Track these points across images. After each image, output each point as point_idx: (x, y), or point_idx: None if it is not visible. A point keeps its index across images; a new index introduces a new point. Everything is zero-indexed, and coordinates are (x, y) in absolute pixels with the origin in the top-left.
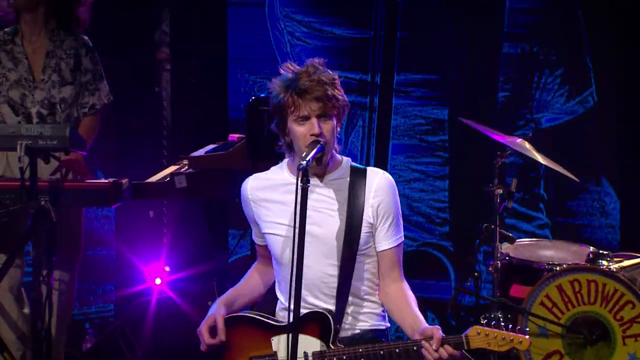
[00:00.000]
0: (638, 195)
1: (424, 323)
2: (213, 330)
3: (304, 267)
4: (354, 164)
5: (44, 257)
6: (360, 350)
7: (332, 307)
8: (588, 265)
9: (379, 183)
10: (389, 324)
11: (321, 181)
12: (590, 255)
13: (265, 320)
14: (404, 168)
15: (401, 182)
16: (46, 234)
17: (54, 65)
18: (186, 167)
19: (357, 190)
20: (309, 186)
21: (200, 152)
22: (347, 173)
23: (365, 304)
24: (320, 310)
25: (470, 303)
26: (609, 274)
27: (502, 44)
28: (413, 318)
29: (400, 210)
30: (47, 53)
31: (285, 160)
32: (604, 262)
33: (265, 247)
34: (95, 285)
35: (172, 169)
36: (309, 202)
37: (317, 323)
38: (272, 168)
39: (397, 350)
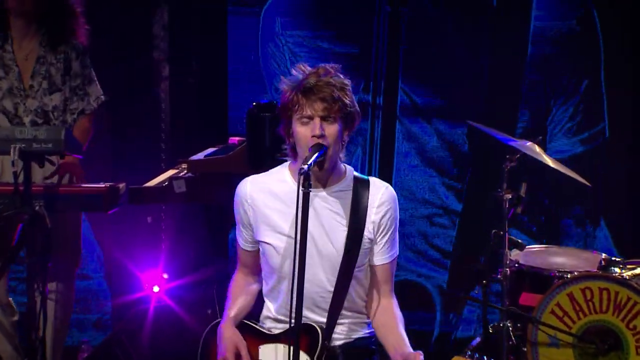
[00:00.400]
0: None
1: (407, 346)
2: (238, 357)
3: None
4: (357, 174)
5: (39, 265)
6: None
7: (324, 319)
8: (600, 272)
9: (381, 198)
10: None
11: (324, 192)
12: (603, 262)
13: (257, 327)
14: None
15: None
16: (41, 241)
17: (44, 72)
18: (185, 171)
19: (359, 204)
20: (310, 191)
21: (200, 155)
22: (351, 185)
23: (357, 315)
24: (312, 324)
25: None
26: (621, 281)
27: (524, 73)
28: (397, 339)
29: (398, 224)
30: (37, 58)
31: (287, 164)
32: (617, 270)
33: (253, 255)
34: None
35: (170, 173)
36: (312, 214)
37: (307, 336)
38: (272, 171)
39: None
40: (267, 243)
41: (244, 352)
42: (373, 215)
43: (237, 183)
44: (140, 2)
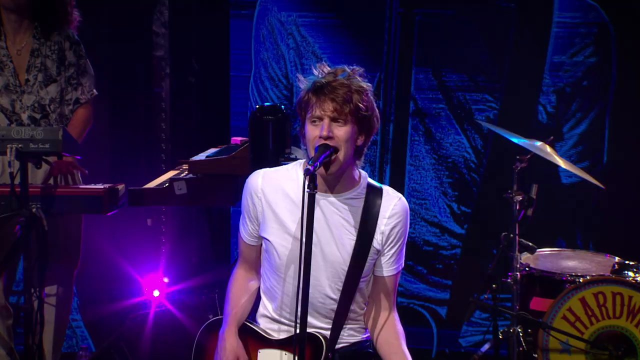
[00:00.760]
0: None
1: None
2: None
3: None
4: (371, 181)
5: (36, 268)
6: None
7: (328, 326)
8: (613, 276)
9: (393, 209)
10: None
11: (335, 198)
12: (616, 266)
13: (257, 330)
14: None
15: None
16: (38, 244)
17: (39, 65)
18: (186, 172)
19: (370, 214)
20: (315, 193)
21: (201, 156)
22: (363, 193)
23: (359, 321)
24: (316, 334)
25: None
26: (636, 286)
27: (539, 96)
28: (401, 357)
29: (406, 237)
30: (31, 52)
31: (301, 162)
32: (630, 274)
33: (256, 249)
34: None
35: (171, 174)
36: (320, 219)
37: (310, 345)
38: (285, 168)
39: None
40: (272, 241)
41: None
42: (383, 225)
43: (240, 184)
44: None
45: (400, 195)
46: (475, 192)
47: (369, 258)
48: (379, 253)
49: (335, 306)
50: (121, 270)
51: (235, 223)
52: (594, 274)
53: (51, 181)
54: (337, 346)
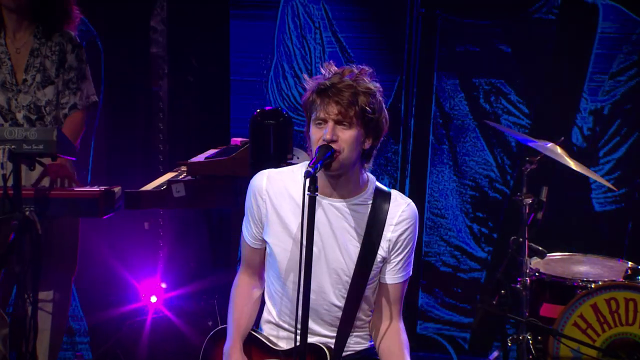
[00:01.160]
0: None
1: None
2: None
3: (310, 293)
4: (379, 185)
5: (29, 274)
6: None
7: (333, 334)
8: (626, 282)
9: (401, 216)
10: None
11: (341, 204)
12: (629, 271)
13: (263, 340)
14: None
15: None
16: (31, 248)
17: (38, 65)
18: (185, 174)
19: (377, 220)
20: (316, 195)
21: (200, 157)
22: (371, 198)
23: (365, 329)
24: (319, 345)
25: None
26: None
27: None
28: None
29: (415, 244)
30: (31, 51)
31: (306, 163)
32: None
33: (260, 253)
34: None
35: (169, 176)
36: (325, 224)
37: (314, 357)
38: (290, 169)
39: None
40: (274, 244)
41: None
42: (390, 233)
43: (241, 186)
44: None
45: (409, 201)
46: (502, 215)
47: (374, 266)
48: (385, 260)
49: (340, 314)
50: (117, 276)
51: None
52: (606, 280)
53: (46, 183)
54: (343, 354)
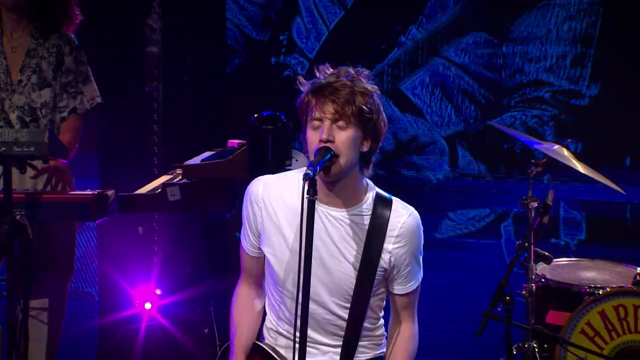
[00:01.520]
0: None
1: None
2: None
3: (310, 302)
4: (379, 192)
5: (21, 280)
6: None
7: (338, 343)
8: (635, 288)
9: (401, 228)
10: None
11: (339, 214)
12: (638, 277)
13: (268, 351)
14: None
15: None
16: (22, 253)
17: (34, 66)
18: (180, 177)
19: (377, 230)
20: (315, 198)
21: (196, 160)
22: (371, 207)
23: (371, 337)
24: None
25: None
26: None
27: None
28: None
29: (421, 251)
30: (27, 51)
31: (304, 169)
32: None
33: (259, 261)
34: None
35: (164, 179)
36: (323, 233)
37: None
38: (287, 175)
39: None
40: (271, 253)
41: None
42: (391, 245)
43: (237, 190)
44: None
45: (410, 210)
46: None
47: (376, 275)
48: (388, 271)
49: (343, 323)
50: (111, 281)
51: (233, 231)
52: (614, 286)
53: (38, 186)
54: None
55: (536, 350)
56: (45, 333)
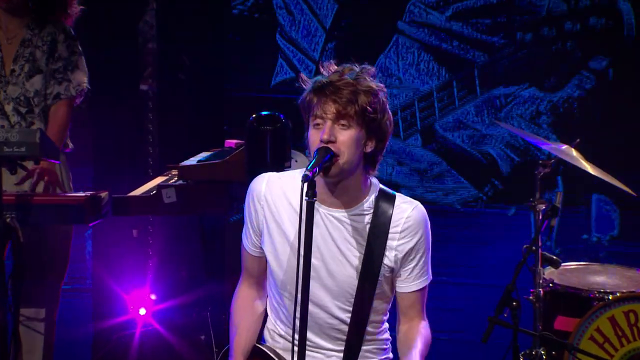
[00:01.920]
0: None
1: None
2: None
3: (310, 305)
4: (383, 188)
5: (12, 285)
6: None
7: (341, 348)
8: None
9: (405, 223)
10: (391, 355)
11: (341, 214)
12: None
13: (269, 354)
14: None
15: None
16: (13, 257)
17: (27, 55)
18: (176, 179)
19: (379, 227)
20: (315, 200)
21: (192, 160)
22: (373, 204)
23: (375, 341)
24: None
25: None
26: None
27: None
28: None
29: (430, 247)
30: (22, 41)
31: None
32: None
33: (260, 261)
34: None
35: (159, 180)
36: (325, 234)
37: None
38: (291, 173)
39: None
40: (272, 253)
41: None
42: (395, 242)
43: (235, 191)
44: None
45: (415, 203)
46: None
47: (380, 277)
48: (394, 271)
49: (345, 327)
50: (104, 286)
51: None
52: (624, 291)
53: (26, 187)
54: None
55: (544, 357)
56: (42, 342)
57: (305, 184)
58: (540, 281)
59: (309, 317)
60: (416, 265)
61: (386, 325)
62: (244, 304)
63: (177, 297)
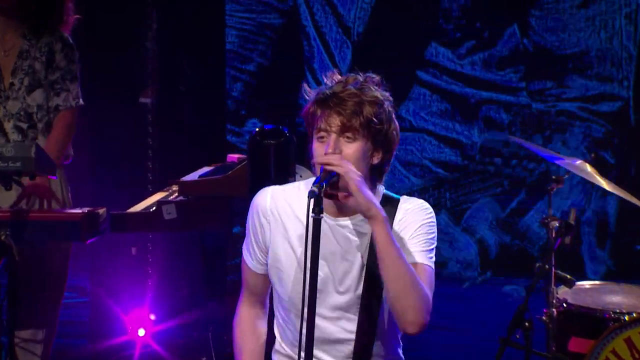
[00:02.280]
0: None
1: None
2: None
3: (317, 319)
4: (388, 193)
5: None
6: None
7: None
8: None
9: (406, 210)
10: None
11: (346, 221)
12: None
13: None
14: None
15: None
16: (8, 275)
17: (26, 68)
18: (176, 194)
19: None
20: (321, 217)
21: (193, 175)
22: None
23: (386, 351)
24: None
25: None
26: None
27: None
28: None
29: (430, 233)
30: (19, 53)
31: (312, 180)
32: None
33: (263, 278)
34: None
35: (159, 196)
36: (331, 245)
37: None
38: (296, 185)
39: None
40: (278, 269)
41: None
42: (394, 231)
43: (237, 207)
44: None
45: (420, 201)
46: None
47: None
48: None
49: (352, 340)
50: (102, 306)
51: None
52: None
53: (23, 204)
54: None
55: None
56: None
57: (312, 200)
58: (554, 301)
59: (317, 333)
60: (411, 238)
61: (400, 345)
62: (247, 327)
63: (177, 317)
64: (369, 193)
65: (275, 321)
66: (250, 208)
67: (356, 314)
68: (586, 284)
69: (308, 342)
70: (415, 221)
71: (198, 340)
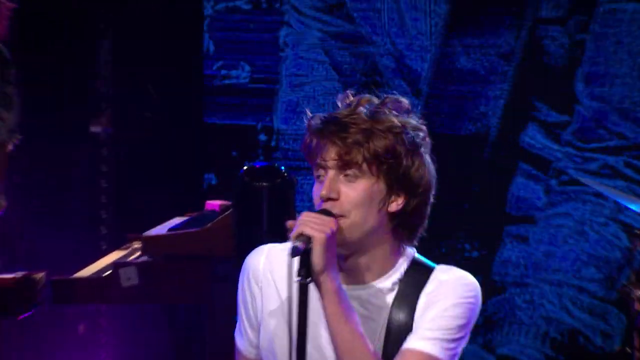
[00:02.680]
0: None
1: None
2: None
3: None
4: (420, 258)
5: None
6: None
7: None
8: None
9: (440, 282)
10: None
11: (355, 291)
12: None
13: None
14: None
15: None
16: None
17: None
18: (139, 253)
19: (403, 305)
20: (309, 282)
21: (161, 229)
22: (398, 279)
23: None
24: None
25: None
26: None
27: None
28: None
29: (464, 326)
30: None
31: None
32: None
33: None
34: None
35: (115, 256)
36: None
37: None
38: None
39: None
40: (270, 349)
41: None
42: (420, 307)
43: (219, 271)
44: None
45: (465, 273)
46: None
47: None
48: None
49: None
50: None
51: (213, 329)
52: None
53: None
54: None
55: None
56: None
57: (296, 259)
58: None
59: None
60: (433, 318)
61: None
62: None
63: None
64: (330, 255)
65: None
66: (240, 273)
67: None
68: None
69: None
70: (447, 297)
71: None
